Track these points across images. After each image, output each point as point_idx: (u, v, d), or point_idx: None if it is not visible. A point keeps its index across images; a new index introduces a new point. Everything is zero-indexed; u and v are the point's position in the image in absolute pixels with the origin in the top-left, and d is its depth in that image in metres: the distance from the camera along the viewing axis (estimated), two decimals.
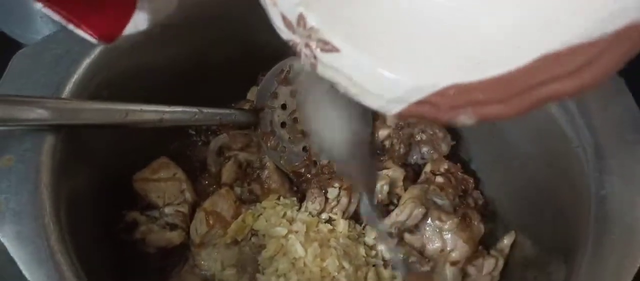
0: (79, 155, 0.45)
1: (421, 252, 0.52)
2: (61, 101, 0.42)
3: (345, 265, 0.49)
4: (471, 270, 0.52)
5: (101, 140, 0.49)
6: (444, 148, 0.59)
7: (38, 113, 0.40)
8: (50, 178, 0.40)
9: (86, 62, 0.45)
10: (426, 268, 0.51)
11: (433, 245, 0.51)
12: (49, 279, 0.35)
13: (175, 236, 0.52)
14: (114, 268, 0.50)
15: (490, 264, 0.51)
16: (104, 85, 0.46)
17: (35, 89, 0.42)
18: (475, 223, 0.53)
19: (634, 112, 0.45)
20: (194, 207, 0.54)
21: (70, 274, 0.36)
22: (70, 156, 0.43)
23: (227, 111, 0.54)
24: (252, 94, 0.61)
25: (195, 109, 0.50)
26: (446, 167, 0.57)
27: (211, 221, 0.53)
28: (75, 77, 0.44)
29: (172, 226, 0.52)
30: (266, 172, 0.56)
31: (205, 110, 0.51)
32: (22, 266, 0.35)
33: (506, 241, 0.53)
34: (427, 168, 0.57)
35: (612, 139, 0.44)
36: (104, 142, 0.49)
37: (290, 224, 0.52)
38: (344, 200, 0.53)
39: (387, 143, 0.59)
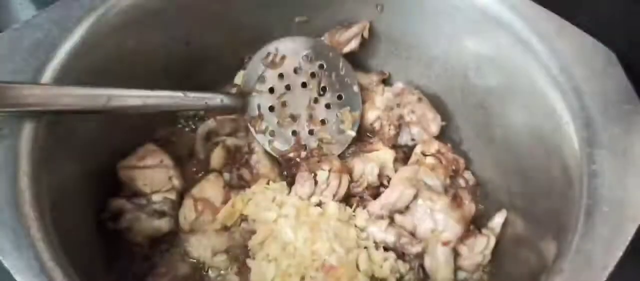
0: (62, 143, 0.44)
1: (412, 233, 0.52)
2: (40, 86, 0.42)
3: (336, 247, 0.49)
4: (463, 249, 0.51)
5: (87, 127, 0.48)
6: (434, 128, 0.58)
7: (15, 99, 0.39)
8: (31, 166, 0.39)
9: (66, 47, 0.44)
10: (418, 248, 0.50)
11: (424, 226, 0.51)
12: (30, 268, 0.34)
13: (163, 224, 0.51)
14: (101, 257, 0.49)
15: (481, 243, 0.51)
16: (86, 70, 0.45)
17: (14, 75, 0.41)
18: (467, 202, 0.53)
19: (624, 85, 0.44)
20: (182, 194, 0.54)
21: (52, 263, 0.35)
22: (53, 143, 0.42)
23: (213, 95, 0.53)
24: (239, 78, 0.60)
25: (180, 93, 0.50)
26: (436, 147, 0.56)
27: (200, 208, 0.52)
28: (54, 62, 0.43)
29: (160, 214, 0.51)
30: (255, 156, 0.56)
31: (190, 94, 0.50)
32: (1, 255, 0.34)
33: (497, 219, 0.53)
34: (417, 149, 0.57)
35: (603, 112, 0.43)
36: (90, 130, 0.48)
37: (280, 208, 0.52)
38: (334, 183, 0.53)
39: (376, 125, 0.58)
